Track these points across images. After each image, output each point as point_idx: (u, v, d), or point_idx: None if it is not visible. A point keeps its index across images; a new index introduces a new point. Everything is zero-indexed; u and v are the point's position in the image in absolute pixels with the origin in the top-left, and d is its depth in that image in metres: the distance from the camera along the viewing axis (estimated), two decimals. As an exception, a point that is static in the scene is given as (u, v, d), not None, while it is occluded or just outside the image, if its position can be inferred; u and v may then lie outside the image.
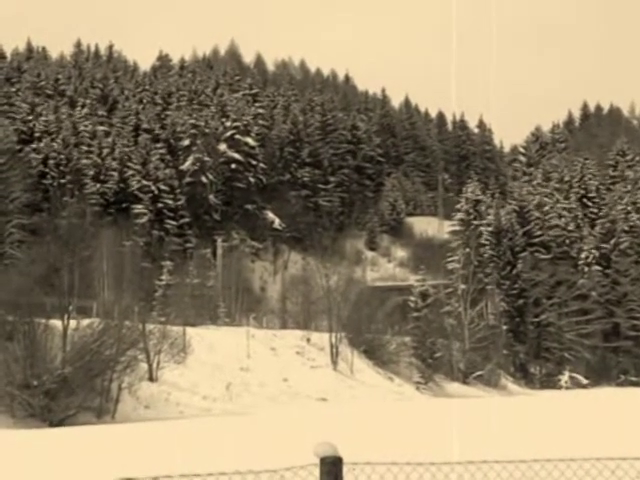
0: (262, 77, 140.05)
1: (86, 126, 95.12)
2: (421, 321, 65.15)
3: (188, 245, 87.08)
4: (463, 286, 74.18)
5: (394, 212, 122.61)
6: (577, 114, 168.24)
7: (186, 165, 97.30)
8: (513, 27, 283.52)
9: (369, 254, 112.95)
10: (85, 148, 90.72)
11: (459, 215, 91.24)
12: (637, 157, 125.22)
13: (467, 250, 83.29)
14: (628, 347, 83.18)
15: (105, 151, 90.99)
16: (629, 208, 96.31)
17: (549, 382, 76.16)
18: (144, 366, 42.49)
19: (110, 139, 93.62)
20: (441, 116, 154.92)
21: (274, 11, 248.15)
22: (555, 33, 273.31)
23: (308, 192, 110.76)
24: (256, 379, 48.47)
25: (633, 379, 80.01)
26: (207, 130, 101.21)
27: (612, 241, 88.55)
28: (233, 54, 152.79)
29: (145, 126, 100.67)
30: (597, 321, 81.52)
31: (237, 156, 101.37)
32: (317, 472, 5.69)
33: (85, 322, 41.06)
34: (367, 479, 6.00)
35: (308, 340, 57.97)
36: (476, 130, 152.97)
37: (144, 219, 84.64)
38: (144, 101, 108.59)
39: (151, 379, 43.23)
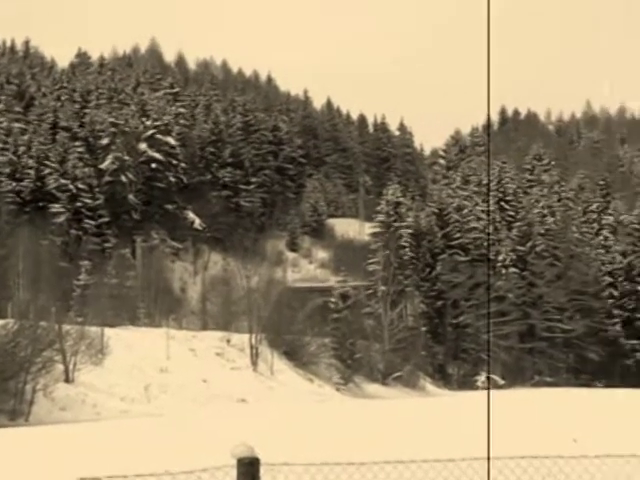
0: (183, 76, 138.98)
1: (1, 123, 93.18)
2: (341, 322, 65.36)
3: (107, 245, 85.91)
4: (383, 288, 74.72)
5: (315, 213, 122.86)
6: (496, 118, 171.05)
7: (105, 164, 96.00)
8: (434, 31, 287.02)
9: (290, 255, 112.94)
10: (0, 145, 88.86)
11: (379, 217, 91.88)
12: (553, 162, 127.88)
13: (387, 252, 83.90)
14: (543, 348, 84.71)
15: (21, 149, 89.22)
16: (545, 212, 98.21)
17: (466, 383, 77.12)
18: (60, 367, 41.78)
19: (26, 137, 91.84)
20: (362, 118, 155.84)
21: (195, 10, 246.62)
22: (475, 38, 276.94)
23: (229, 192, 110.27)
24: (175, 380, 48.07)
25: (547, 379, 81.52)
26: (127, 129, 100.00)
27: (528, 244, 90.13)
28: (154, 52, 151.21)
29: (63, 124, 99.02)
30: (513, 322, 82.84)
31: (157, 155, 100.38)
32: (234, 473, 5.65)
33: (-1, 323, 40.25)
34: (284, 480, 5.97)
35: (228, 341, 57.74)
36: (397, 133, 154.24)
37: (62, 218, 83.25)
38: (62, 98, 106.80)
39: (67, 380, 42.53)
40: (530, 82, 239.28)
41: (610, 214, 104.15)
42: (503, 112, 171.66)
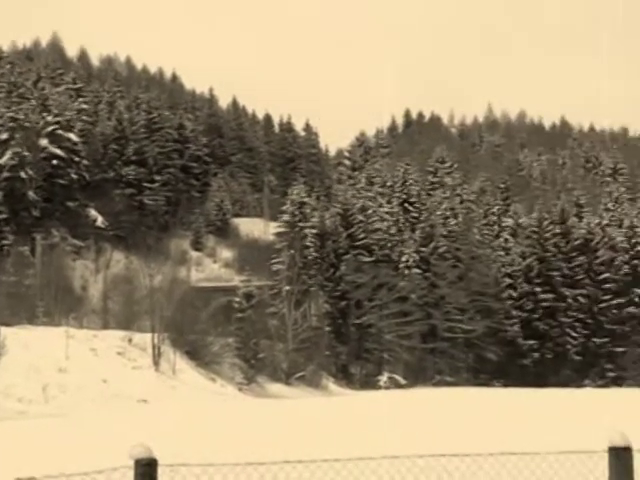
0: (86, 72, 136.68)
1: None
2: (245, 322, 65.19)
3: (5, 242, 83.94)
4: (287, 287, 74.76)
5: (220, 212, 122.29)
6: (400, 121, 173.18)
7: (4, 160, 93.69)
8: (341, 32, 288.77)
9: (194, 254, 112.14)
10: None
11: (284, 217, 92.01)
12: (455, 164, 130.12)
13: (292, 252, 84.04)
14: (444, 348, 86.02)
15: None
16: (447, 213, 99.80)
17: (369, 382, 77.78)
18: (-46, 368, 40.60)
19: None
20: (268, 118, 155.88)
21: (99, 4, 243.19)
22: (382, 39, 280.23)
23: (133, 190, 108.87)
24: (75, 380, 47.20)
25: (448, 379, 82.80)
26: (27, 124, 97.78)
27: (431, 245, 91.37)
28: (55, 47, 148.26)
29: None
30: (416, 323, 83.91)
31: (59, 152, 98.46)
32: (131, 474, 5.57)
33: None
34: (182, 481, 5.91)
35: (130, 341, 56.98)
36: (302, 133, 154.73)
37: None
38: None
39: (-38, 381, 41.38)
40: (434, 85, 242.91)
41: (510, 217, 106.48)
42: (407, 114, 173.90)
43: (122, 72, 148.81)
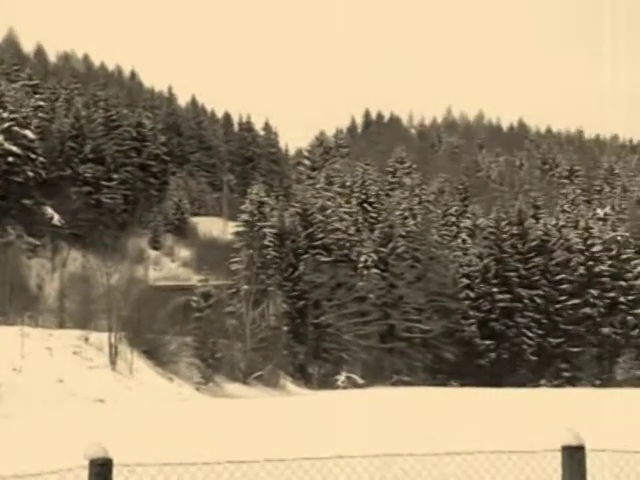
0: (43, 68, 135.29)
1: None
2: (203, 321, 65.01)
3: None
4: (246, 287, 74.64)
5: (178, 211, 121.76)
6: (360, 121, 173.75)
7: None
8: (299, 31, 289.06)
9: (152, 253, 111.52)
10: None
11: (243, 216, 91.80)
12: (414, 165, 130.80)
13: (250, 251, 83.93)
14: (402, 348, 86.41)
15: None
16: (406, 214, 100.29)
17: (327, 382, 77.90)
18: None
19: None
20: (227, 117, 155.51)
21: (56, 0, 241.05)
22: (341, 39, 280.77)
23: (90, 188, 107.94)
24: (30, 380, 46.71)
25: (405, 379, 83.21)
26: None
27: (390, 245, 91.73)
28: (11, 42, 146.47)
29: None
30: (374, 323, 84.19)
31: (15, 149, 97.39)
32: (85, 474, 5.54)
33: None
34: (138, 481, 5.88)
35: (86, 340, 56.51)
36: (262, 132, 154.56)
37: None
38: None
39: None
40: (393, 86, 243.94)
41: (468, 217, 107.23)
42: (367, 115, 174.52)
43: (80, 69, 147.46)
